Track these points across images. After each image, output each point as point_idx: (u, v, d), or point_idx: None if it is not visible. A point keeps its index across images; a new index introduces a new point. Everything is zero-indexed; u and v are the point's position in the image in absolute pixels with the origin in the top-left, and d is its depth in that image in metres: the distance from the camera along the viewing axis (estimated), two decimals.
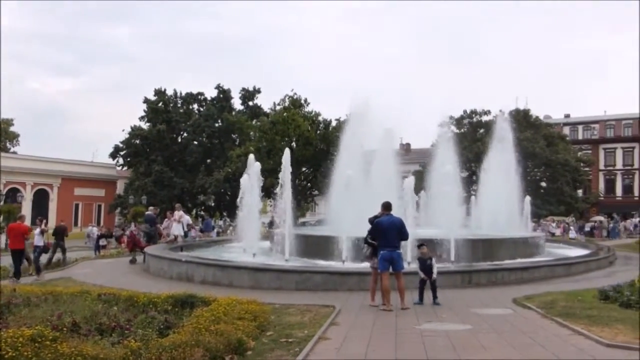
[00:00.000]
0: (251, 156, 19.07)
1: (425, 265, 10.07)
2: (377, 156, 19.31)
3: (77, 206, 55.82)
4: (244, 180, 17.42)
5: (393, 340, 6.80)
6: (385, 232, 9.39)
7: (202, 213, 53.83)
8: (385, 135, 20.29)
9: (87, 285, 10.57)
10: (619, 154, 69.21)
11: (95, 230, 29.82)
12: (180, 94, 55.94)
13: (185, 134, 55.39)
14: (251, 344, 6.29)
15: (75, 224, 52.57)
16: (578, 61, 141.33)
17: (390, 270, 9.39)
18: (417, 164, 50.11)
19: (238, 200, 17.42)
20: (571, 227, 37.96)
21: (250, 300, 8.09)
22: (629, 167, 68.62)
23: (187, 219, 21.81)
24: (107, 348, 5.40)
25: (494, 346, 6.31)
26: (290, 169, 16.08)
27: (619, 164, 69.20)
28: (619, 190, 69.13)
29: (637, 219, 47.44)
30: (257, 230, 17.52)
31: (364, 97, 19.32)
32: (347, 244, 14.26)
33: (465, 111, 55.74)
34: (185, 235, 20.71)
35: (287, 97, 47.75)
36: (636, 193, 67.49)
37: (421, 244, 10.47)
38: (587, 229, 41.84)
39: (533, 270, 14.32)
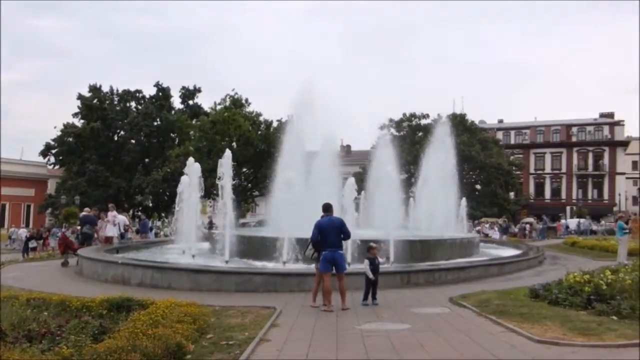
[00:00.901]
0: (191, 158, 18.71)
1: (374, 265, 10.15)
2: (318, 157, 19.37)
3: (3, 207, 53.15)
4: (183, 180, 17.09)
5: (334, 340, 6.83)
6: (326, 233, 9.45)
7: (139, 214, 52.44)
8: (326, 136, 20.40)
9: (14, 290, 10.02)
10: (548, 158, 72.61)
11: (20, 232, 28.41)
12: (117, 90, 54.30)
13: (122, 133, 53.73)
14: (190, 348, 6.16)
15: (2, 225, 50.00)
16: (512, 69, 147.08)
17: (333, 270, 9.46)
18: (357, 165, 50.69)
19: (176, 200, 17.08)
20: (494, 228, 39.46)
21: (189, 302, 7.93)
22: (557, 172, 72.09)
23: (123, 219, 21.16)
24: (37, 356, 5.14)
25: (432, 344, 6.45)
26: (231, 169, 15.90)
27: (548, 168, 72.61)
28: (547, 193, 72.50)
29: (564, 221, 49.87)
30: (196, 231, 17.22)
31: (305, 98, 19.30)
32: (288, 245, 14.23)
33: (404, 114, 56.97)
34: (122, 236, 20.09)
35: (228, 97, 47.29)
36: (563, 196, 70.97)
37: (372, 244, 10.55)
38: (515, 230, 43.46)
39: (469, 270, 14.76)
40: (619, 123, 71.14)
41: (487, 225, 40.82)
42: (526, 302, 9.21)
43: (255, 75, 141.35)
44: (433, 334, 7.13)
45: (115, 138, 53.91)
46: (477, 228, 38.15)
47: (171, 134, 53.68)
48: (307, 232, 12.34)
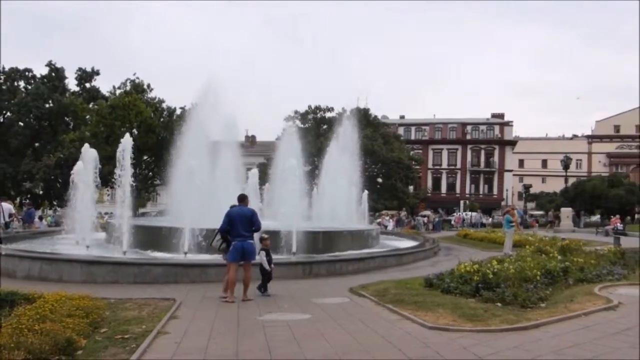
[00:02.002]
0: (86, 144, 17.71)
1: (270, 256, 10.23)
2: (222, 147, 19.07)
3: None
4: (77, 167, 16.16)
5: (235, 332, 6.78)
6: (235, 223, 9.36)
7: (26, 201, 49.00)
8: (230, 126, 20.10)
9: None
10: (445, 154, 76.34)
11: None
12: (3, 68, 50.21)
13: (8, 114, 49.78)
14: (82, 343, 5.85)
15: None
16: (415, 67, 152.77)
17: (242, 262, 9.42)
18: (262, 156, 50.50)
19: (70, 188, 16.14)
20: (389, 221, 41.04)
21: (82, 295, 7.53)
22: (453, 167, 75.98)
23: (8, 207, 19.70)
24: None
25: (331, 333, 6.58)
26: (130, 156, 15.25)
27: (445, 164, 76.35)
28: (443, 188, 76.23)
29: (459, 214, 52.66)
30: (91, 221, 16.38)
31: (210, 86, 18.90)
32: (189, 235, 13.93)
33: (309, 107, 57.40)
34: (7, 225, 18.71)
35: (129, 81, 45.20)
36: (458, 190, 74.95)
37: (264, 235, 10.56)
38: (414, 222, 45.34)
39: (369, 260, 15.21)
40: (508, 123, 76.18)
41: (387, 218, 42.20)
42: (421, 291, 9.62)
43: (159, 61, 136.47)
44: (333, 323, 7.28)
45: (1, 119, 49.89)
46: (378, 220, 39.32)
47: (65, 118, 50.47)
48: (210, 222, 12.17)
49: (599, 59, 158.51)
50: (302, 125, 56.70)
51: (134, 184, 15.36)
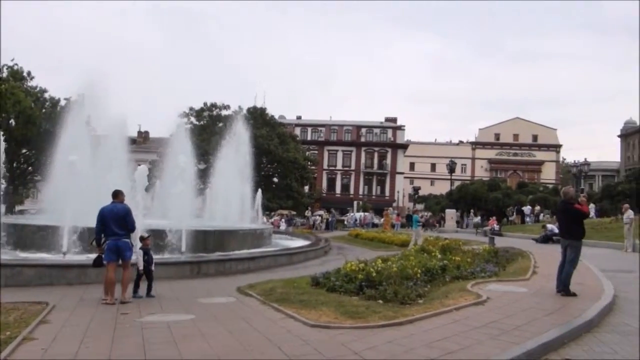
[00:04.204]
0: None
1: (149, 256, 9.92)
2: (109, 142, 18.18)
3: None
4: None
5: (111, 335, 6.48)
6: (108, 221, 8.96)
7: None
8: (118, 120, 19.18)
9: None
10: (340, 155, 78.11)
11: None
12: None
13: None
14: None
15: None
16: (313, 70, 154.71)
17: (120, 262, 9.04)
18: (155, 153, 48.86)
19: None
20: (282, 220, 41.49)
21: None
22: (347, 168, 77.89)
23: None
24: None
25: (213, 333, 6.49)
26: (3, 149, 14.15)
27: (339, 165, 78.08)
28: (338, 188, 77.92)
29: (352, 214, 54.02)
30: None
31: (98, 78, 17.94)
32: (68, 234, 13.18)
33: (205, 104, 56.44)
34: None
35: (6, 68, 41.81)
36: (352, 191, 76.91)
37: (144, 234, 10.22)
38: (310, 222, 45.97)
39: (259, 260, 15.22)
40: (400, 127, 79.36)
41: (281, 218, 42.49)
42: (307, 289, 9.74)
43: (43, 49, 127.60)
44: (216, 323, 7.18)
45: None
46: (272, 220, 39.44)
47: None
48: (92, 221, 11.56)
49: (485, 70, 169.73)
50: (197, 123, 55.58)
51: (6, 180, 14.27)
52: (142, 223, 12.05)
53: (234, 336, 6.36)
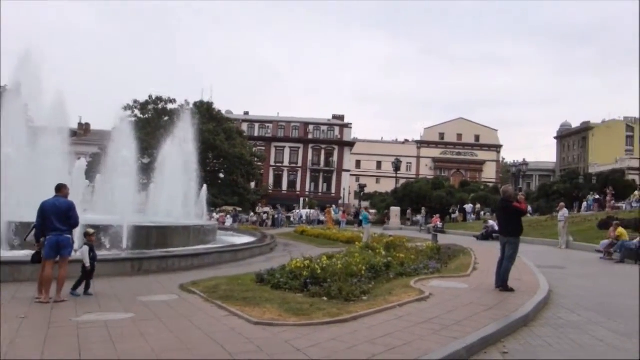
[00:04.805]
0: None
1: (94, 253, 9.61)
2: (47, 133, 17.45)
3: None
4: None
5: (43, 335, 6.19)
6: (49, 215, 8.57)
7: None
8: (58, 111, 18.43)
9: None
10: (287, 152, 78.00)
11: None
12: None
13: None
14: None
15: None
16: (262, 66, 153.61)
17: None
18: (96, 146, 47.33)
19: None
20: (227, 217, 41.19)
21: None
22: (294, 165, 77.86)
23: None
24: None
25: (153, 332, 6.31)
26: None
27: (286, 162, 77.98)
28: (284, 185, 77.81)
29: (298, 211, 54.02)
30: None
31: (33, 65, 17.12)
32: (5, 229, 12.58)
33: (150, 97, 55.05)
34: None
35: None
36: (298, 188, 76.94)
37: (89, 230, 9.89)
38: (254, 219, 45.70)
39: (203, 256, 14.98)
40: (347, 125, 79.96)
41: (226, 214, 42.10)
42: (252, 286, 9.63)
43: None
44: (157, 322, 6.99)
45: None
46: (217, 216, 38.98)
47: None
48: (28, 215, 11.07)
49: (431, 71, 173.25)
50: (141, 116, 54.22)
51: None
52: (83, 218, 11.60)
53: (174, 335, 6.21)
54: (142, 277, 12.16)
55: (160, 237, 16.19)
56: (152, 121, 52.17)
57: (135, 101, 54.68)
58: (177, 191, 23.53)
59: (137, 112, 54.52)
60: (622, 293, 10.61)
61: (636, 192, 38.82)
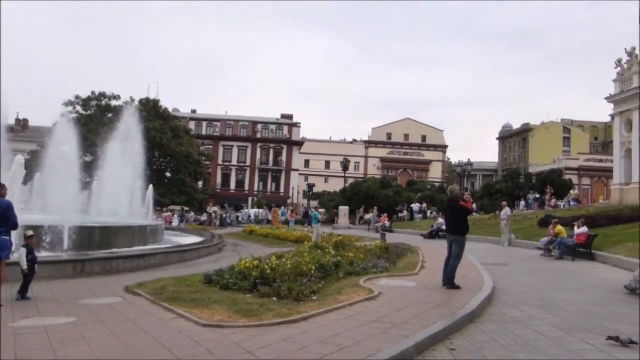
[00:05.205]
0: None
1: (33, 255, 9.19)
2: None
3: None
4: None
5: None
6: None
7: None
8: None
9: None
10: (235, 151, 77.24)
11: None
12: None
13: None
14: None
15: None
16: (209, 64, 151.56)
17: None
18: (35, 142, 45.51)
19: None
20: (174, 216, 40.57)
21: None
22: (242, 164, 77.20)
23: None
24: None
25: (96, 337, 6.09)
26: None
27: (234, 160, 77.22)
28: (232, 184, 77.02)
29: (246, 210, 53.55)
30: None
31: None
32: None
33: (93, 92, 53.28)
34: None
35: None
36: (246, 187, 76.33)
37: (28, 232, 9.46)
38: (202, 218, 45.04)
39: (149, 257, 14.63)
40: (296, 124, 79.90)
41: (173, 213, 41.41)
42: (200, 287, 9.46)
43: None
44: (100, 325, 6.75)
45: None
46: (163, 215, 38.22)
47: None
48: None
49: (378, 71, 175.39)
50: (83, 112, 52.48)
51: None
52: (20, 218, 11.10)
53: (119, 339, 6.00)
54: (85, 279, 11.77)
55: (103, 238, 15.70)
56: (95, 117, 50.56)
57: (77, 97, 52.83)
58: (121, 190, 22.89)
59: (78, 108, 52.73)
60: (561, 288, 11.03)
61: (571, 191, 40.66)
